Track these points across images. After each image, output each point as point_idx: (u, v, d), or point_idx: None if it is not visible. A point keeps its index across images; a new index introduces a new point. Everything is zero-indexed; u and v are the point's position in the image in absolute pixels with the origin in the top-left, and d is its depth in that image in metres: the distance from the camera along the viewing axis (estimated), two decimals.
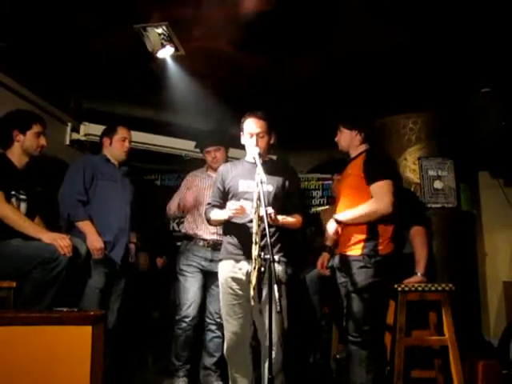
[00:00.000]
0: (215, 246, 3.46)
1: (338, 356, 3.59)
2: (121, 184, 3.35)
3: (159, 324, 4.23)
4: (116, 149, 3.39)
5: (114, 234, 3.17)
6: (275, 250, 2.74)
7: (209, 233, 3.52)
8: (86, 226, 3.06)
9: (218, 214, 2.89)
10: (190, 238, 3.59)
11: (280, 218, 2.76)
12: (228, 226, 2.91)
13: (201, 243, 3.53)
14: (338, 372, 3.69)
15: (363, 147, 3.09)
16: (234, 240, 2.84)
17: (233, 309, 2.79)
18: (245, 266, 2.75)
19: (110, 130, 3.45)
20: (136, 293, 3.59)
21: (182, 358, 3.48)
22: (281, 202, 2.87)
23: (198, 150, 3.97)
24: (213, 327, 3.47)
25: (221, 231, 3.42)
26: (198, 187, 3.67)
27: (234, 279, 2.77)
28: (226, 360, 2.88)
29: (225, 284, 2.82)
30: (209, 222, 3.02)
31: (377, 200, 2.88)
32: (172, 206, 3.77)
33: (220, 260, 2.92)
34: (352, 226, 2.95)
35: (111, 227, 3.17)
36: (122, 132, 3.42)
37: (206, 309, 3.52)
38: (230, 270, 2.80)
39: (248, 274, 2.66)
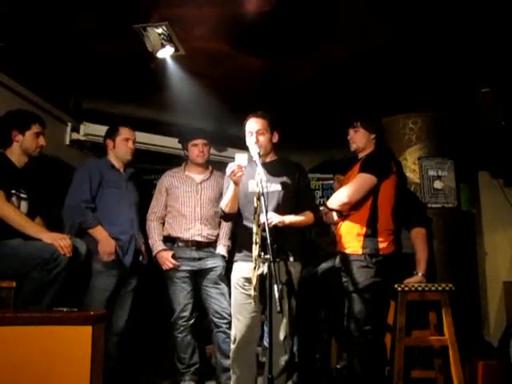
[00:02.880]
0: (199, 246, 3.47)
1: (338, 366, 3.58)
2: (125, 189, 3.33)
3: (160, 325, 4.20)
4: (120, 150, 3.38)
5: (122, 241, 3.17)
6: (288, 250, 2.77)
7: (192, 234, 3.48)
8: (97, 231, 3.09)
9: (225, 197, 2.92)
10: (172, 241, 3.52)
11: (287, 219, 2.76)
12: (241, 229, 2.94)
13: (184, 244, 3.48)
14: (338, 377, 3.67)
15: (371, 149, 3.11)
16: (248, 242, 2.82)
17: (245, 307, 2.82)
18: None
19: (112, 131, 3.43)
20: (144, 293, 3.58)
21: (185, 361, 3.45)
22: (290, 200, 2.88)
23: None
24: (224, 327, 3.39)
25: (205, 232, 3.49)
26: (176, 188, 3.57)
27: (247, 280, 2.78)
28: (231, 357, 2.89)
29: (238, 284, 2.87)
30: (223, 216, 3.03)
31: (343, 188, 2.98)
32: (152, 218, 3.57)
33: (235, 261, 2.97)
34: (350, 221, 2.96)
35: (119, 235, 3.16)
36: (124, 132, 3.40)
37: (209, 310, 3.49)
38: (243, 270, 2.83)
39: (261, 275, 2.65)
